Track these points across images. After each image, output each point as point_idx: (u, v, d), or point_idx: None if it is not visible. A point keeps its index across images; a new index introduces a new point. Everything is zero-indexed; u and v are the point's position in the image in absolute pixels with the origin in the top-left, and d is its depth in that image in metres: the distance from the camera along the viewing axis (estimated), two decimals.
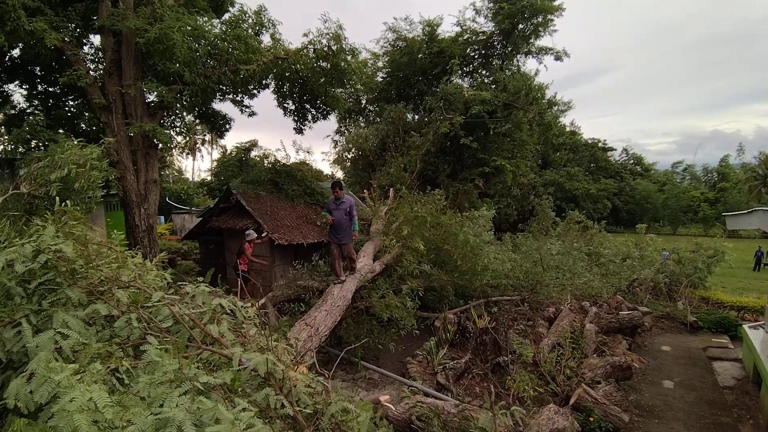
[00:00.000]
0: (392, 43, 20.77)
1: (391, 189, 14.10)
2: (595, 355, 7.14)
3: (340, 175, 28.46)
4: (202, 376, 2.51)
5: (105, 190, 9.49)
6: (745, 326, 7.91)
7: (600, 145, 46.01)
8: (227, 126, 13.16)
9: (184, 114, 12.03)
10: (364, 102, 23.54)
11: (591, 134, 57.17)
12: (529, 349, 6.67)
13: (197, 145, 50.18)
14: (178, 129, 12.89)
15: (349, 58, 11.33)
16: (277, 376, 2.96)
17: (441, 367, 6.86)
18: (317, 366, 3.90)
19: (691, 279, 12.94)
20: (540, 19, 18.07)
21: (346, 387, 6.53)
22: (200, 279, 3.89)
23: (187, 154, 49.88)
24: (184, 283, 3.75)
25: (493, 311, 9.77)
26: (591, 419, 5.03)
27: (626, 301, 10.14)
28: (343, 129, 24.05)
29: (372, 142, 19.68)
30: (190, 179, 49.13)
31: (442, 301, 9.76)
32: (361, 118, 24.26)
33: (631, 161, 50.72)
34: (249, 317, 3.69)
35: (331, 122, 29.80)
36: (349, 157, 22.66)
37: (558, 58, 19.33)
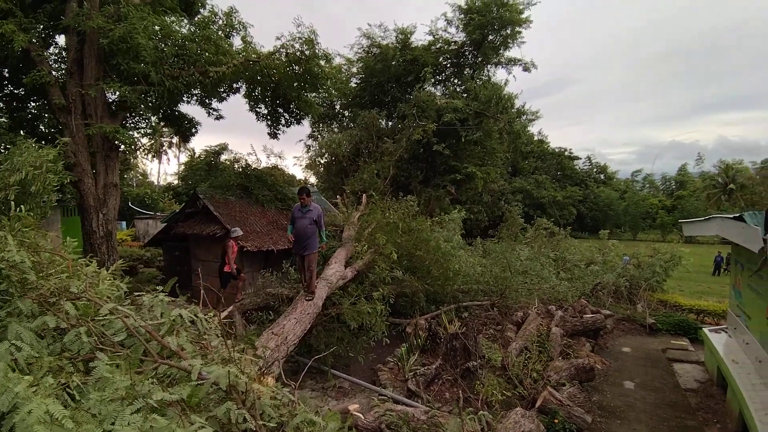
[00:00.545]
0: (366, 49, 20.90)
1: (364, 195, 14.09)
2: (560, 358, 7.35)
3: (313, 180, 28.25)
4: (157, 392, 2.41)
5: (61, 194, 9.07)
6: (706, 330, 8.27)
7: (566, 153, 47.87)
8: (194, 129, 12.80)
9: (150, 115, 11.63)
10: (338, 107, 23.51)
11: (558, 143, 59.63)
12: (498, 354, 6.78)
13: (163, 148, 48.52)
14: (142, 131, 12.44)
15: (322, 62, 11.31)
16: (240, 389, 2.86)
17: (412, 373, 6.86)
18: (283, 377, 3.80)
19: (649, 282, 13.57)
20: (509, 31, 18.68)
21: (316, 396, 6.41)
22: (159, 288, 3.74)
23: (153, 156, 48.15)
24: (141, 293, 3.58)
25: (463, 316, 9.89)
26: (556, 421, 5.16)
27: (590, 305, 10.53)
28: (316, 134, 23.91)
29: (345, 148, 19.65)
30: (156, 183, 47.42)
31: (414, 306, 9.79)
32: (334, 123, 24.20)
33: (595, 170, 52.98)
34: (212, 327, 3.56)
35: (304, 127, 29.56)
36: (322, 162, 22.53)
37: (526, 69, 20.02)
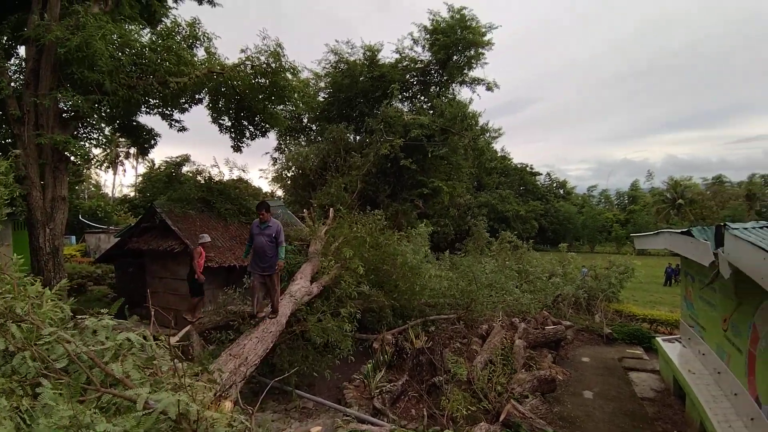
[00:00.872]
0: (334, 64, 21.07)
1: (331, 209, 13.98)
2: (523, 370, 7.48)
3: (279, 193, 27.75)
4: (100, 423, 2.23)
5: (12, 208, 8.52)
6: (660, 339, 8.61)
7: (528, 169, 49.82)
8: (153, 141, 12.33)
9: (103, 125, 11.12)
10: (305, 121, 23.42)
11: (520, 159, 62.09)
12: (463, 368, 6.81)
13: (120, 159, 46.36)
14: (95, 141, 11.81)
15: (289, 76, 11.25)
16: (191, 418, 2.69)
17: (378, 390, 6.75)
18: (240, 402, 3.63)
19: (606, 293, 14.19)
20: (472, 52, 19.43)
21: (278, 419, 6.16)
22: (104, 311, 3.50)
23: (107, 168, 45.89)
24: (84, 316, 3.34)
25: (430, 330, 9.91)
26: None
27: (551, 316, 10.84)
28: (283, 147, 23.64)
29: (313, 161, 19.53)
30: (110, 195, 45.10)
31: (381, 322, 9.72)
32: (302, 137, 24.06)
33: (555, 185, 55.39)
34: (162, 351, 3.35)
35: (270, 140, 29.16)
36: (289, 175, 22.23)
37: (489, 88, 20.82)
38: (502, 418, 5.62)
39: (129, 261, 11.99)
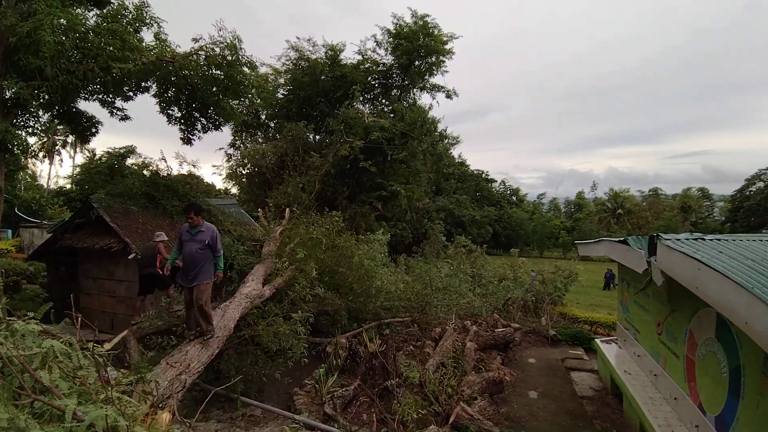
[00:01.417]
0: (294, 62, 20.60)
1: (288, 209, 13.63)
2: (473, 372, 7.64)
3: (234, 191, 26.69)
4: (35, 429, 2.13)
5: None
6: (599, 341, 9.10)
7: (483, 176, 51.56)
8: (94, 129, 11.40)
9: (41, 112, 10.23)
10: (263, 117, 22.71)
11: (476, 166, 64.46)
12: (415, 372, 6.84)
13: (56, 147, 42.79)
14: (32, 129, 10.80)
15: (246, 70, 10.85)
16: None
17: (329, 396, 6.62)
18: (177, 415, 3.39)
19: (552, 297, 14.91)
20: (433, 59, 19.74)
21: (222, 428, 5.87)
22: (30, 314, 3.17)
23: (44, 157, 42.26)
24: (13, 318, 3.00)
25: (385, 333, 9.89)
26: None
27: (501, 319, 11.20)
28: (238, 143, 22.77)
29: (270, 159, 18.97)
30: (45, 187, 41.41)
31: (335, 325, 9.57)
32: (259, 133, 23.30)
33: (509, 192, 57.78)
34: (89, 361, 3.06)
35: (225, 134, 28.03)
36: (244, 172, 21.44)
37: (449, 96, 21.26)
38: (451, 420, 5.69)
39: (61, 259, 11.00)
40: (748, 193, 45.26)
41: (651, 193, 59.66)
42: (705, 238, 4.74)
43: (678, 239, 4.64)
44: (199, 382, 6.42)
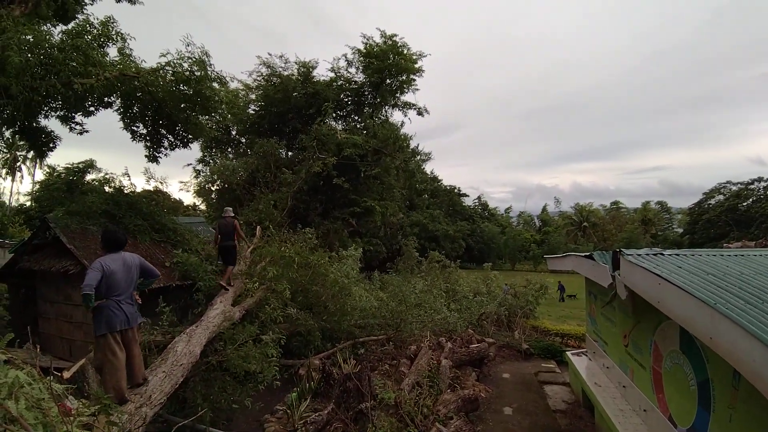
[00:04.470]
0: (266, 77, 20.53)
1: (258, 226, 13.33)
2: (449, 390, 7.58)
3: (203, 207, 25.88)
4: None
5: None
6: (569, 353, 9.23)
7: (456, 191, 52.50)
8: (51, 144, 10.85)
9: (4, 129, 9.81)
10: (234, 132, 22.37)
11: (449, 181, 65.88)
12: (391, 392, 6.71)
13: (18, 164, 40.81)
14: None
15: (216, 85, 10.68)
16: None
17: (302, 422, 6.37)
18: None
19: (524, 310, 15.14)
20: (404, 78, 20.15)
21: None
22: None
23: (6, 173, 40.25)
24: None
25: (360, 353, 9.72)
26: None
27: (476, 334, 11.23)
28: (207, 159, 22.26)
29: (240, 176, 18.60)
30: (7, 204, 39.13)
31: (309, 346, 9.32)
32: (229, 149, 22.88)
33: (480, 207, 59.00)
34: (47, 394, 2.86)
35: (193, 150, 27.33)
36: (213, 189, 20.90)
37: (420, 113, 21.71)
38: None
39: (20, 282, 10.34)
40: (706, 206, 48.10)
41: (612, 206, 62.45)
42: (663, 253, 4.95)
43: (639, 254, 4.82)
44: (162, 414, 6.05)
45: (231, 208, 9.61)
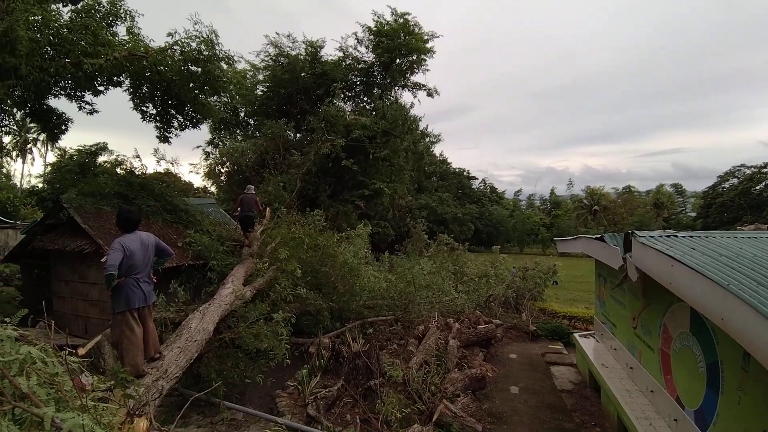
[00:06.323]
0: (274, 58, 20.28)
1: (269, 208, 13.43)
2: (456, 369, 7.70)
3: (213, 190, 26.11)
4: None
5: None
6: (577, 335, 9.31)
7: (465, 174, 52.03)
8: (64, 126, 10.96)
9: (15, 110, 9.92)
10: (242, 114, 22.31)
11: (458, 164, 65.34)
12: (399, 370, 6.84)
13: (28, 146, 41.29)
14: (6, 128, 10.44)
15: (224, 65, 10.62)
16: None
17: (312, 397, 6.56)
18: (153, 421, 3.29)
19: (532, 293, 15.17)
20: (414, 58, 19.77)
21: None
22: (7, 320, 3.08)
23: (17, 155, 40.76)
24: None
25: (368, 333, 9.87)
26: None
27: (483, 315, 11.32)
28: (217, 140, 22.30)
29: (250, 158, 18.65)
30: (19, 186, 39.77)
31: (318, 325, 9.48)
32: (238, 131, 22.87)
33: (489, 189, 58.50)
34: (64, 368, 2.96)
35: (203, 132, 27.39)
36: (223, 171, 21.01)
37: (430, 94, 21.37)
38: (434, 418, 5.72)
39: (33, 262, 10.60)
40: (720, 189, 47.06)
41: (624, 190, 61.47)
42: (677, 235, 4.88)
43: (651, 236, 4.77)
44: (178, 387, 6.26)
45: (252, 186, 10.97)
